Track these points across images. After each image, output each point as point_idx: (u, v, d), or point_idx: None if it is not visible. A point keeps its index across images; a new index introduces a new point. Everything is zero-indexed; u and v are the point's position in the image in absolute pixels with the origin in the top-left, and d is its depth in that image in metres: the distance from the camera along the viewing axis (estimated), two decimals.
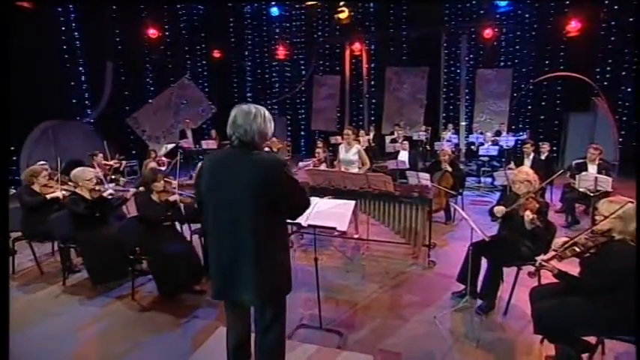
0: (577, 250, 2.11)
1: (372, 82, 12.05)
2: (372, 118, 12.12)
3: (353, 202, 2.71)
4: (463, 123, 10.96)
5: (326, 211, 2.59)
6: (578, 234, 2.22)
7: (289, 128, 13.25)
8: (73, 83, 8.80)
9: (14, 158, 7.35)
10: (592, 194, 4.67)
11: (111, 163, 5.92)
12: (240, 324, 2.03)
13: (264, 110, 1.91)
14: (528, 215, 2.82)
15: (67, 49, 8.55)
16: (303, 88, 12.75)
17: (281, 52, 12.27)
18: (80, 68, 8.95)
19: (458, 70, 11.06)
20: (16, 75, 7.20)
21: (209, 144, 8.17)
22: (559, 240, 2.31)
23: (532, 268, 2.28)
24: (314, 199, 2.60)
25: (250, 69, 13.35)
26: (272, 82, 13.30)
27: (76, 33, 8.65)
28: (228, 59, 12.53)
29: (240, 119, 1.84)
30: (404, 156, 7.31)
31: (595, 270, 2.05)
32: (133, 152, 10.36)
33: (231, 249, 1.79)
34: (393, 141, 8.38)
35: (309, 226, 2.47)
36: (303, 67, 12.70)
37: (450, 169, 5.51)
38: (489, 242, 2.75)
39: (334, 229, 2.43)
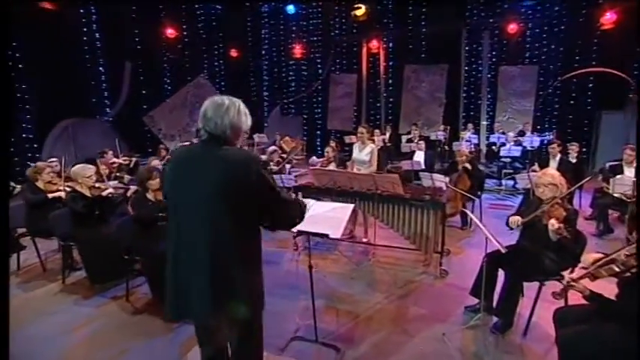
0: (615, 269, 1.75)
1: (390, 81, 11.63)
2: (390, 117, 11.71)
3: (351, 206, 2.42)
4: (484, 122, 10.38)
5: (320, 215, 2.31)
6: (617, 250, 1.83)
7: (305, 127, 13.03)
8: (93, 82, 8.91)
9: (37, 155, 7.47)
10: (629, 200, 4.17)
11: (119, 160, 5.84)
12: (210, 337, 1.78)
13: (240, 103, 1.66)
14: (553, 224, 2.44)
15: (87, 49, 8.66)
16: (319, 87, 12.50)
17: (298, 51, 12.08)
18: (100, 68, 9.05)
19: (479, 68, 10.48)
20: (39, 74, 7.61)
21: None
22: (591, 256, 1.95)
23: (557, 285, 1.92)
24: (309, 202, 2.34)
25: (267, 68, 13.22)
26: (288, 80, 13.11)
27: (96, 34, 8.75)
28: (245, 58, 12.44)
29: (210, 112, 1.60)
30: (419, 156, 6.94)
31: (636, 293, 1.67)
32: (149, 150, 10.47)
33: (189, 260, 1.55)
34: (409, 141, 7.99)
35: (298, 232, 2.20)
36: (319, 66, 12.46)
37: (468, 169, 5.10)
38: (507, 253, 2.40)
39: (326, 236, 2.14)
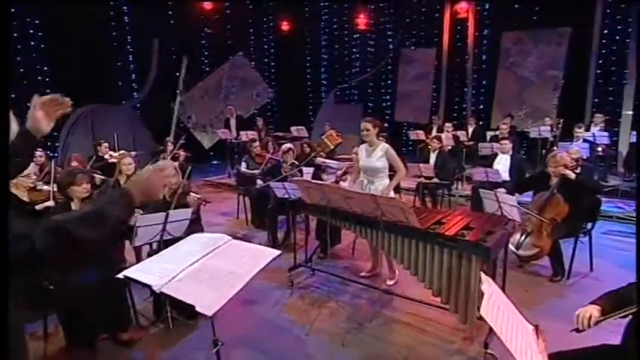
0: None
1: (484, 57, 10.27)
2: (482, 107, 10.37)
3: (272, 254, 1.74)
4: (629, 112, 8.25)
5: (209, 270, 1.66)
6: None
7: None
8: (119, 63, 9.39)
9: (57, 144, 8.08)
10: None
11: (115, 154, 5.88)
12: None
13: None
14: None
15: (114, 25, 9.12)
16: (389, 66, 11.60)
17: (362, 21, 11.40)
18: (128, 47, 9.50)
19: (625, 32, 8.38)
20: (61, 54, 8.23)
21: (248, 135, 7.73)
22: None
23: None
24: (194, 241, 1.76)
25: (326, 43, 12.78)
26: (351, 59, 12.55)
27: (124, 7, 9.17)
28: (298, 32, 12.12)
29: None
30: (502, 162, 5.70)
31: None
32: (183, 141, 10.77)
33: None
34: (493, 139, 6.69)
35: (162, 294, 1.58)
36: (390, 40, 11.62)
37: (572, 184, 3.86)
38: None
39: (193, 308, 1.49)
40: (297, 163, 5.05)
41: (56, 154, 7.70)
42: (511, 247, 3.84)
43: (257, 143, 5.98)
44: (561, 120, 7.82)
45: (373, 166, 3.75)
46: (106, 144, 5.92)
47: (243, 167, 5.85)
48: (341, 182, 4.80)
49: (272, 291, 3.83)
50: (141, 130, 9.28)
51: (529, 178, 4.97)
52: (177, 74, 10.16)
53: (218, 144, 9.79)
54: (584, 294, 3.00)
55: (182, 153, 6.44)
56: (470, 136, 8.36)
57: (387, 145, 3.77)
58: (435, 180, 5.96)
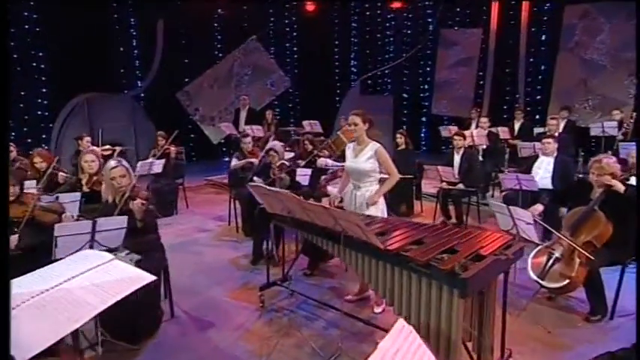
0: None
1: (542, 37, 9.64)
2: (538, 97, 9.74)
3: (143, 280, 1.56)
4: None
5: (59, 299, 1.50)
6: None
7: (407, 111, 11.91)
8: (122, 49, 9.63)
9: (43, 136, 8.43)
10: None
11: (98, 150, 5.94)
12: None
13: None
14: None
15: (115, 6, 9.35)
16: (428, 52, 11.19)
17: None
18: (131, 30, 9.73)
19: None
20: (57, 38, 8.46)
21: (254, 130, 7.65)
22: None
23: None
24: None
25: (356, 25, 12.52)
26: (384, 42, 12.21)
27: None
28: (325, 13, 11.92)
29: None
30: (543, 165, 5.24)
31: None
32: (192, 136, 10.93)
33: None
34: (538, 137, 6.17)
35: None
36: (429, 20, 11.24)
37: (619, 199, 3.44)
38: None
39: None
40: (287, 164, 4.86)
41: (45, 146, 7.97)
42: (532, 275, 3.44)
43: (249, 139, 5.86)
44: (634, 114, 7.09)
45: (359, 169, 3.55)
46: (88, 138, 6.00)
47: (233, 163, 5.77)
48: (328, 187, 4.56)
49: (238, 312, 3.70)
50: (143, 122, 9.49)
51: (565, 187, 4.48)
52: (186, 61, 10.35)
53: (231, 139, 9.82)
54: (629, 340, 2.60)
55: (173, 149, 6.44)
56: (516, 133, 7.80)
57: (377, 145, 3.56)
58: (461, 186, 5.56)
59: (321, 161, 5.39)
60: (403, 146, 6.21)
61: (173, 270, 4.44)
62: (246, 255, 4.87)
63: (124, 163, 3.37)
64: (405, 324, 1.40)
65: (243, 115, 8.75)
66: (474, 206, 5.85)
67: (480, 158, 6.67)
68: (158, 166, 6.00)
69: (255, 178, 4.81)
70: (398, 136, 6.23)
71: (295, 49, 12.30)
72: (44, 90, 8.60)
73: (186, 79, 10.35)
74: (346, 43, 12.61)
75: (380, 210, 3.48)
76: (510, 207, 3.22)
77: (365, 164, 3.51)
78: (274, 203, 3.09)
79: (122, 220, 2.95)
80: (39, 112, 8.56)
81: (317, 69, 11.74)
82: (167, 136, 6.52)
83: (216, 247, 5.28)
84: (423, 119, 11.78)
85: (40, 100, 8.55)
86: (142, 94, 10.06)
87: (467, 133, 6.34)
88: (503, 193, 5.37)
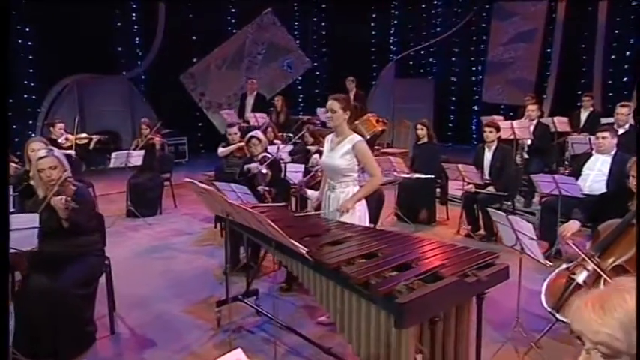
0: None
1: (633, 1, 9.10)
2: (625, 79, 9.20)
3: None
4: None
5: None
6: None
7: (454, 98, 11.68)
8: (120, 24, 9.96)
9: (30, 122, 8.87)
10: None
11: (71, 137, 6.17)
12: None
13: None
14: None
15: None
16: (483, 25, 10.88)
17: None
18: (132, 3, 10.03)
19: None
20: (46, 14, 8.71)
21: (257, 119, 7.69)
22: None
23: None
24: None
25: None
26: (430, 14, 11.98)
27: None
28: None
29: None
30: (596, 166, 4.98)
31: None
32: (200, 125, 11.15)
33: None
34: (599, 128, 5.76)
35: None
36: None
37: None
38: None
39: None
40: (269, 156, 4.81)
41: (31, 133, 8.37)
42: (546, 305, 3.20)
43: (234, 129, 5.87)
44: None
45: (334, 165, 3.49)
46: (61, 125, 6.21)
47: (220, 150, 5.83)
48: (308, 191, 4.49)
49: (189, 331, 3.70)
50: (142, 106, 9.79)
51: (601, 196, 4.15)
52: (194, 38, 10.55)
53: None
54: None
55: (158, 139, 6.57)
56: (582, 124, 7.35)
57: (358, 138, 3.48)
58: (491, 189, 5.30)
59: (315, 158, 5.30)
60: (425, 139, 6.02)
61: (132, 278, 4.56)
62: (223, 263, 4.89)
63: (56, 153, 3.44)
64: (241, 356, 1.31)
65: (250, 101, 8.78)
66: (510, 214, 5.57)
67: (525, 156, 6.36)
68: (137, 158, 6.13)
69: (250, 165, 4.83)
70: (419, 127, 6.05)
71: (324, 23, 12.27)
72: (31, 70, 9.00)
73: (194, 59, 10.57)
74: (386, 17, 12.45)
75: (357, 217, 3.38)
76: (511, 217, 3.00)
77: (340, 161, 3.43)
78: (212, 203, 3.07)
79: (32, 219, 2.98)
80: (25, 95, 8.96)
81: (347, 47, 11.62)
82: (152, 124, 6.66)
83: (192, 253, 5.33)
84: (475, 107, 11.44)
85: (26, 82, 8.96)
86: (143, 76, 10.36)
87: (504, 124, 6.04)
88: (543, 199, 5.08)
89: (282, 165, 5.20)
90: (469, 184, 5.37)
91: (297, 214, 3.78)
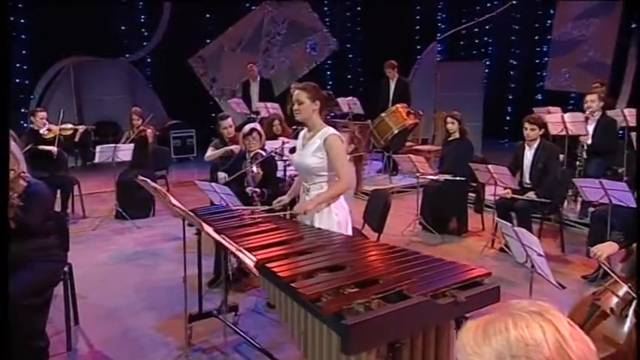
0: None
1: None
2: None
3: None
4: None
5: None
6: None
7: (512, 85, 11.61)
8: (124, 2, 10.28)
9: (22, 110, 9.25)
10: None
11: (55, 128, 6.38)
12: None
13: None
14: None
15: None
16: None
17: None
18: None
19: None
20: None
21: (268, 109, 7.78)
22: None
23: None
24: None
25: None
26: None
27: None
28: None
29: None
30: None
31: None
32: (213, 115, 11.31)
33: None
34: None
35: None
36: None
37: None
38: None
39: None
40: (263, 153, 4.85)
41: (23, 123, 8.73)
42: None
43: (228, 121, 5.91)
44: None
45: (305, 165, 3.55)
46: (43, 114, 6.40)
47: (208, 153, 5.91)
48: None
49: (156, 349, 3.80)
50: (146, 94, 10.06)
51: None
52: (208, 16, 10.73)
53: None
54: None
55: (150, 131, 6.71)
56: None
57: (331, 131, 3.49)
58: (532, 195, 5.17)
59: (287, 157, 5.32)
60: (457, 135, 5.91)
61: (105, 288, 4.71)
62: (210, 273, 4.97)
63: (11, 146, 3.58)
64: None
65: (255, 89, 8.82)
66: (557, 226, 5.46)
67: (584, 155, 6.14)
68: (125, 152, 6.29)
69: (219, 172, 4.90)
70: (449, 120, 5.93)
71: (348, 1, 12.25)
72: (24, 52, 9.40)
73: (208, 40, 10.78)
74: None
75: (335, 223, 3.39)
76: (517, 228, 2.92)
77: (311, 159, 3.46)
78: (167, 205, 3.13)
79: None
80: (17, 80, 9.35)
81: (384, 26, 11.56)
82: (145, 114, 6.83)
83: (177, 261, 5.38)
84: (539, 97, 11.17)
85: (18, 65, 9.36)
86: (148, 59, 10.64)
87: (553, 118, 5.88)
88: (592, 210, 4.92)
89: (283, 164, 5.24)
90: (505, 188, 5.25)
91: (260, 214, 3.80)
